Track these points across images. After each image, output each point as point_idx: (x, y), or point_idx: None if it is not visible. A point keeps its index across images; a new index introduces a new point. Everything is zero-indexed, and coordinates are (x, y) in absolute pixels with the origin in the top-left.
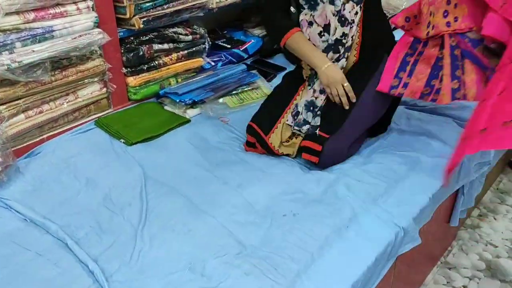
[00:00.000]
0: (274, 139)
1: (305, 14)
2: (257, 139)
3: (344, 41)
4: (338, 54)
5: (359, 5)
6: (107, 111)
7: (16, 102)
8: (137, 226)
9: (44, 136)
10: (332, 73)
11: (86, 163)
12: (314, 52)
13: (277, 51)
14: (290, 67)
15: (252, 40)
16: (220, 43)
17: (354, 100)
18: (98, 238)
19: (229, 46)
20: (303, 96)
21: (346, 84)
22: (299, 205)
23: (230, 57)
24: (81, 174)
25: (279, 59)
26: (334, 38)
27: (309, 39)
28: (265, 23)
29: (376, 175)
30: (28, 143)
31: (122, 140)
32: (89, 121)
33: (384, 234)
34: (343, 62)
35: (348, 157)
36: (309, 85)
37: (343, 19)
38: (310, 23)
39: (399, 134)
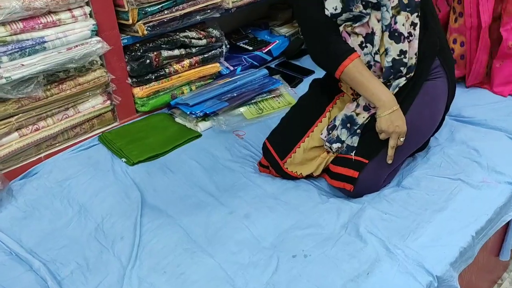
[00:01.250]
0: (291, 164)
1: (345, 26)
2: (271, 164)
3: (405, 60)
4: (399, 74)
5: (415, 14)
6: (112, 125)
7: (8, 120)
8: (126, 265)
9: (42, 155)
10: (398, 121)
11: (81, 187)
12: (381, 88)
13: (305, 52)
14: (318, 70)
15: (277, 41)
16: (242, 45)
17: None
18: (83, 278)
19: (251, 48)
20: (343, 109)
21: (403, 138)
22: (313, 243)
23: (251, 61)
24: (74, 200)
25: (306, 61)
26: (390, 59)
27: None
28: (315, 49)
29: (407, 205)
30: (24, 163)
31: (124, 160)
32: (92, 136)
33: (412, 285)
34: (401, 81)
35: (384, 186)
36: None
37: (396, 34)
38: (348, 34)
39: (440, 153)
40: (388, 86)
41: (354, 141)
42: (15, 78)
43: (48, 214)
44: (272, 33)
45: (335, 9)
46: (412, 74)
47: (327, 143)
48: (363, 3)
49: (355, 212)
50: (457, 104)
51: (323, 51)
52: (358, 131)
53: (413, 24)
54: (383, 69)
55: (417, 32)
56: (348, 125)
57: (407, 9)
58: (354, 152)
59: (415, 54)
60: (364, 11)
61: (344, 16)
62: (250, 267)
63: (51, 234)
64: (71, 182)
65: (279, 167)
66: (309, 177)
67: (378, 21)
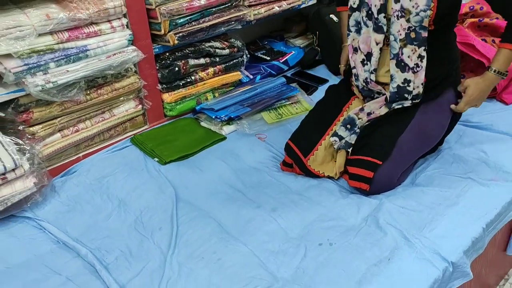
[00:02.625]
0: (314, 161)
1: (353, 39)
2: (295, 161)
3: (409, 88)
4: (405, 98)
5: (422, 47)
6: (143, 128)
7: (52, 121)
8: (166, 252)
9: (80, 154)
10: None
11: (119, 183)
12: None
13: (319, 62)
14: (333, 79)
15: (293, 52)
16: (260, 55)
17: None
18: (128, 263)
19: (268, 58)
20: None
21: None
22: (337, 234)
23: (269, 70)
24: (113, 195)
25: (321, 71)
26: (395, 85)
27: (354, 67)
28: None
29: (423, 201)
30: (64, 162)
31: (156, 159)
32: (124, 138)
33: (430, 270)
34: (406, 102)
35: (398, 185)
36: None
37: (402, 64)
38: (355, 50)
39: (450, 154)
40: (392, 102)
41: (352, 139)
42: (60, 83)
43: (90, 208)
44: (288, 44)
45: (354, 3)
46: (418, 100)
47: (331, 138)
48: (369, 12)
49: (374, 207)
50: (465, 112)
51: None
52: (358, 131)
53: (420, 57)
54: (389, 94)
55: (424, 63)
56: (348, 125)
57: (414, 43)
58: (351, 148)
59: (422, 84)
60: (365, 18)
61: (355, 15)
62: (280, 254)
63: (93, 226)
64: (109, 179)
65: (302, 164)
66: (330, 177)
67: (377, 43)
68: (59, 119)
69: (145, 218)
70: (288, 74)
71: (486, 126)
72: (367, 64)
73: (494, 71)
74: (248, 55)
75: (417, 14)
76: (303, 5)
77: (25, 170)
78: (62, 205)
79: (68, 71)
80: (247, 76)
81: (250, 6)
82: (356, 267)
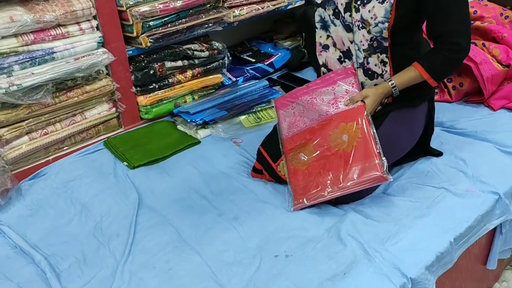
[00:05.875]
0: (284, 167)
1: (320, 36)
2: (264, 167)
3: None
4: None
5: (384, 54)
6: (117, 131)
7: (19, 124)
8: (119, 260)
9: (50, 157)
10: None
11: (84, 188)
12: None
13: (306, 64)
14: None
15: (279, 53)
16: (245, 57)
17: None
18: (80, 271)
19: (253, 60)
20: None
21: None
22: (295, 245)
23: (253, 72)
24: (77, 200)
25: (308, 73)
26: None
27: (323, 64)
28: None
29: (390, 212)
30: (33, 165)
31: (125, 163)
32: (98, 141)
33: (386, 286)
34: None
35: (368, 194)
36: None
37: (369, 72)
38: (326, 47)
39: (427, 162)
40: None
41: None
42: (25, 85)
43: (52, 213)
44: (276, 46)
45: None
46: (386, 100)
47: None
48: (335, 10)
49: (339, 217)
50: (450, 116)
51: None
52: None
53: (383, 62)
54: None
55: (388, 68)
56: None
57: (377, 51)
58: None
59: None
60: (332, 17)
61: (319, 11)
62: (234, 265)
63: (53, 231)
64: (75, 183)
65: (272, 170)
66: None
67: (351, 42)
68: (26, 121)
69: (104, 224)
70: (274, 76)
71: (470, 133)
72: (345, 61)
73: (392, 84)
74: (230, 57)
75: (376, 25)
76: (290, 6)
77: None
78: (25, 208)
79: (33, 73)
80: (229, 78)
81: (230, 7)
82: (309, 281)
